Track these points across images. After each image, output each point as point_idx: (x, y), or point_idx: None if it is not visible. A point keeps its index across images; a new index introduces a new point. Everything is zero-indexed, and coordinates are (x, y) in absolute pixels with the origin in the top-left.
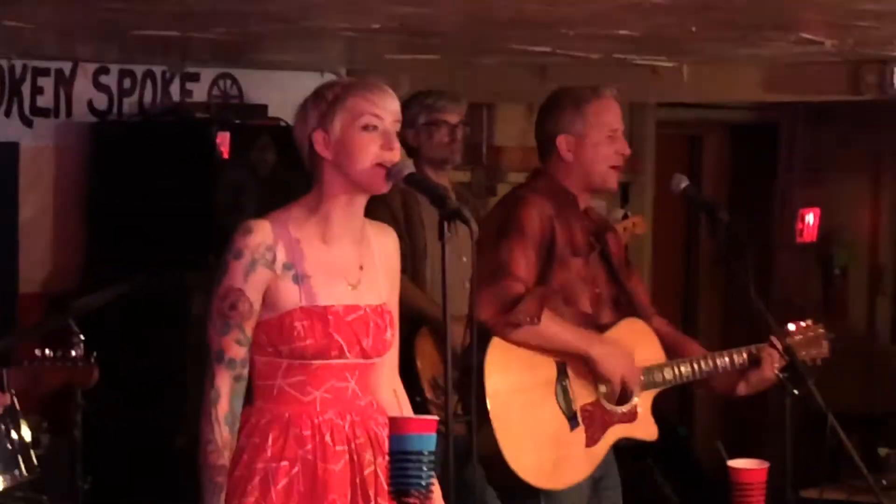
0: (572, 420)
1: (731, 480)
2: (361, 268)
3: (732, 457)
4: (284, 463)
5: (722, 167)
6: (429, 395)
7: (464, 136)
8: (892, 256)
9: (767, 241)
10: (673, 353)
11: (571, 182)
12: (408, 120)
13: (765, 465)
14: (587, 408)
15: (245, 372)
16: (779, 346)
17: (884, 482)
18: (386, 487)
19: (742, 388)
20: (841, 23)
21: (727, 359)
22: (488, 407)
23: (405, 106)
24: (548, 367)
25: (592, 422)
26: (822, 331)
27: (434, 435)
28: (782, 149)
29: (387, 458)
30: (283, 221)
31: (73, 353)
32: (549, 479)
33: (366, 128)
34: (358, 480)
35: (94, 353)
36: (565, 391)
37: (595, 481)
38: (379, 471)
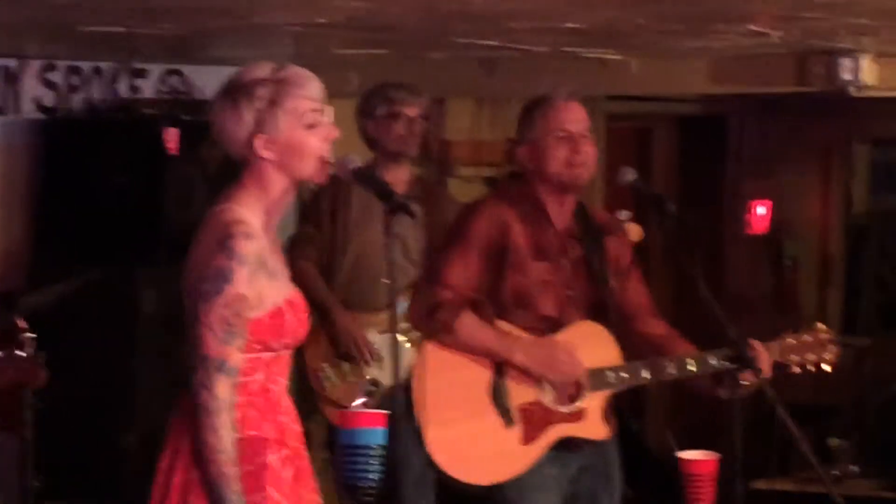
0: (507, 418)
1: (682, 472)
2: (280, 253)
3: (684, 449)
4: (285, 451)
5: (671, 160)
6: (314, 385)
7: (423, 130)
8: (842, 248)
9: (718, 234)
10: (662, 355)
11: (539, 187)
12: (367, 111)
13: (714, 456)
14: (525, 406)
15: (239, 377)
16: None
17: (834, 473)
18: (310, 475)
19: (721, 392)
20: (788, 14)
21: (700, 364)
22: (423, 407)
23: (366, 97)
24: (483, 366)
25: (531, 420)
26: (827, 335)
27: (383, 429)
28: (731, 141)
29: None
30: (255, 218)
31: (22, 353)
32: (481, 475)
33: (310, 126)
34: (297, 469)
35: (43, 353)
36: (501, 390)
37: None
38: (307, 460)
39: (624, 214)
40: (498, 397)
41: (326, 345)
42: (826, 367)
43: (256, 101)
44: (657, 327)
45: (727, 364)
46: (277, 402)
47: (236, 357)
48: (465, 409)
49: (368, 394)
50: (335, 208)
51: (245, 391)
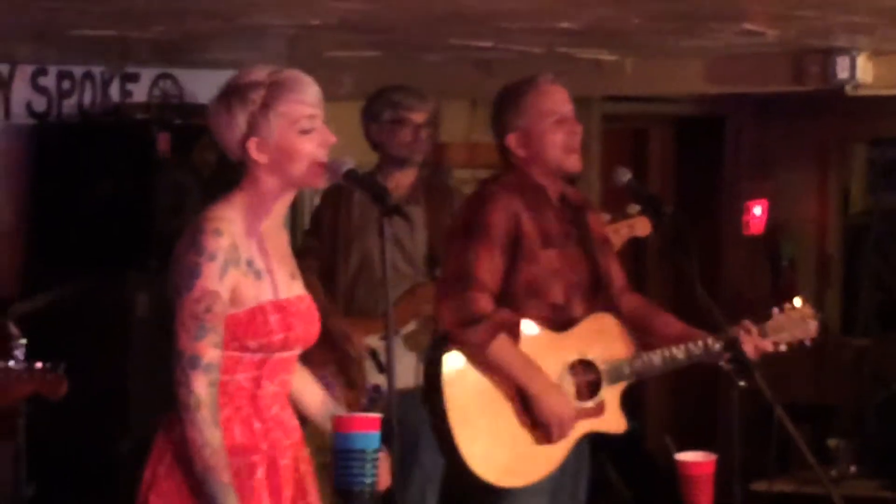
0: (534, 417)
1: (680, 474)
2: (291, 257)
3: (683, 450)
4: (255, 457)
5: (668, 160)
6: None
7: (428, 137)
8: (840, 247)
9: (715, 235)
10: (647, 329)
11: (535, 174)
12: (373, 114)
13: (712, 457)
14: None
15: (219, 374)
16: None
17: (833, 473)
18: (312, 482)
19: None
20: (784, 13)
21: (703, 346)
22: (446, 406)
23: (372, 101)
24: None
25: None
26: (808, 311)
27: (377, 433)
28: (728, 141)
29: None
30: (241, 217)
31: (42, 364)
32: (509, 477)
33: (304, 131)
34: (297, 475)
35: (63, 364)
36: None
37: (573, 474)
38: (307, 465)
39: (633, 208)
40: (524, 398)
41: (328, 352)
42: (807, 343)
43: (250, 105)
44: (636, 301)
45: (724, 346)
46: (260, 407)
47: (212, 353)
48: (492, 410)
49: (372, 400)
50: (337, 215)
51: (225, 389)
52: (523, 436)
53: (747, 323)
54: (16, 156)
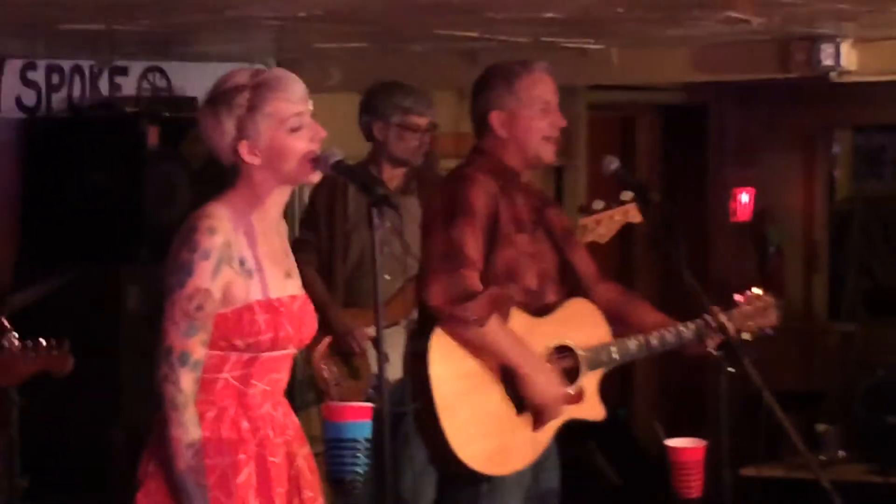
0: (518, 405)
1: (670, 460)
2: (287, 256)
3: (672, 436)
4: (242, 456)
5: (654, 149)
6: (320, 385)
7: (430, 139)
8: (826, 234)
9: (702, 222)
10: (622, 319)
11: (510, 157)
12: (377, 112)
13: (702, 443)
14: None
15: (201, 372)
16: (713, 323)
17: (822, 458)
18: (310, 477)
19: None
20: (768, 1)
21: (676, 333)
22: (433, 393)
23: (376, 97)
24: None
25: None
26: (769, 299)
27: (369, 422)
28: (713, 129)
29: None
30: (234, 216)
31: (46, 340)
32: (494, 466)
33: (293, 129)
34: (291, 472)
35: (68, 341)
36: (512, 377)
37: (536, 464)
38: (305, 461)
39: (627, 195)
40: (509, 384)
41: (328, 344)
42: (769, 331)
43: (236, 109)
44: (611, 290)
45: (702, 327)
46: (249, 406)
47: (200, 351)
48: (476, 397)
49: (376, 389)
50: (332, 209)
51: (204, 389)
52: (509, 422)
53: (715, 309)
54: (6, 150)
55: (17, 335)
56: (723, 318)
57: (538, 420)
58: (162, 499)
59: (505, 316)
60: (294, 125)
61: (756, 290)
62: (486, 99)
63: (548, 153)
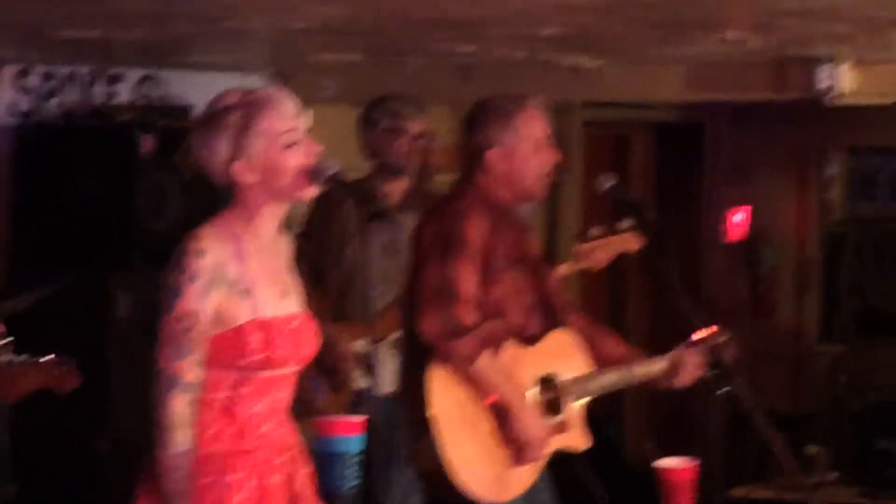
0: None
1: (660, 480)
2: (286, 274)
3: (662, 456)
4: (238, 475)
5: (648, 167)
6: (303, 397)
7: (424, 146)
8: (819, 255)
9: (695, 241)
10: (590, 351)
11: (503, 193)
12: (371, 121)
13: (693, 463)
14: None
15: (198, 393)
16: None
17: (812, 480)
18: (312, 499)
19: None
20: (765, 22)
21: (659, 365)
22: (433, 420)
23: (371, 107)
24: None
25: None
26: (724, 338)
27: (362, 436)
28: (708, 148)
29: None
30: (226, 237)
31: (49, 358)
32: (493, 493)
33: (287, 146)
34: (291, 493)
35: (73, 359)
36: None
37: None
38: (306, 481)
39: (625, 224)
40: (500, 418)
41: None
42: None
43: (229, 129)
44: (579, 322)
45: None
46: (248, 426)
47: (193, 373)
48: (473, 424)
49: (356, 404)
50: (328, 221)
51: (203, 409)
52: (501, 452)
53: (709, 329)
54: None
55: (11, 339)
56: (718, 337)
57: (520, 457)
58: None
59: (497, 348)
60: (288, 141)
61: (712, 328)
62: (483, 135)
63: (540, 190)
